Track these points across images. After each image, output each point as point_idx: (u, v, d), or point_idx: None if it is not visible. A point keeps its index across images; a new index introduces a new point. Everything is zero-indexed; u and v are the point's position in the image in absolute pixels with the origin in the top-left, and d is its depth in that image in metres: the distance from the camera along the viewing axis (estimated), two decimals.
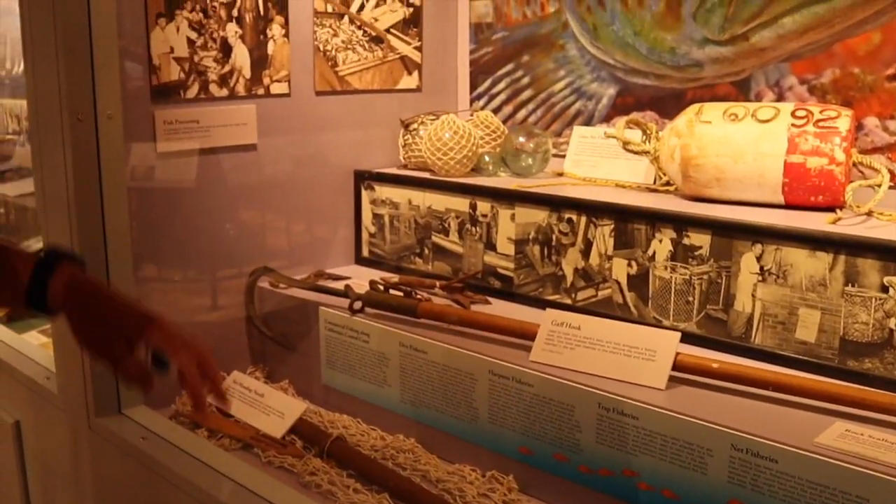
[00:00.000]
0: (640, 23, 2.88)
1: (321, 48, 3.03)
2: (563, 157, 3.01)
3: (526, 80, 3.25)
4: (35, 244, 4.06)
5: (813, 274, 2.05)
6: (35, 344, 3.26)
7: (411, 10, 3.26)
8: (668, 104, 2.88)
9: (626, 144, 2.59)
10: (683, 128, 2.43)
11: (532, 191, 2.64)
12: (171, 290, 2.82)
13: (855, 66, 2.51)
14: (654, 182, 2.72)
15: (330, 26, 3.04)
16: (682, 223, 2.28)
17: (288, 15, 2.93)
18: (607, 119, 3.04)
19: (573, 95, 3.12)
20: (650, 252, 2.34)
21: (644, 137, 2.66)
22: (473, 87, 3.42)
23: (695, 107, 2.48)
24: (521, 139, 2.94)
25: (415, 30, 3.29)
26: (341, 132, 3.14)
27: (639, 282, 2.39)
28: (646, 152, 2.58)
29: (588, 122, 3.08)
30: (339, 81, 3.10)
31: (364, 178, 3.14)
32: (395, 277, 2.91)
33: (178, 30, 2.68)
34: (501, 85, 3.33)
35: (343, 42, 3.08)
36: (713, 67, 2.76)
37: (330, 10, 3.04)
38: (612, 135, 2.62)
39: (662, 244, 2.31)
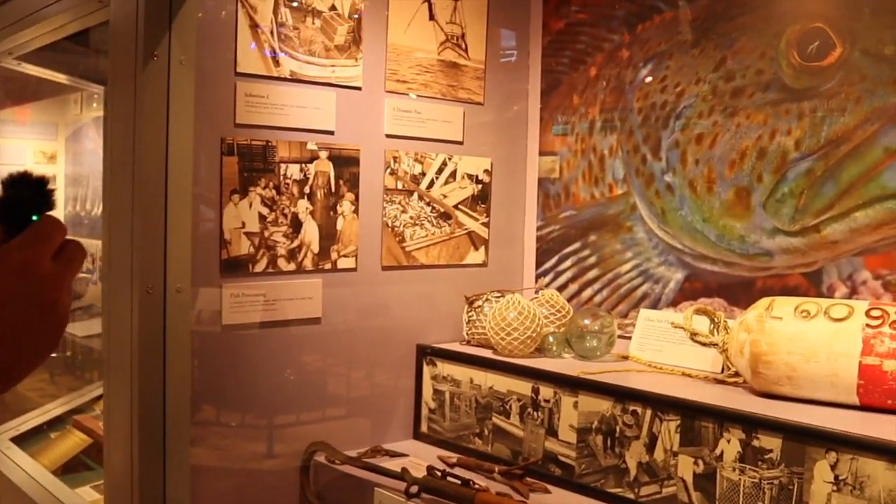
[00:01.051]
0: (708, 209, 2.88)
1: (389, 224, 3.07)
2: (629, 338, 2.96)
3: (592, 260, 3.25)
4: (97, 389, 4.09)
5: (893, 488, 1.94)
6: (87, 500, 3.24)
7: (480, 187, 3.31)
8: (737, 292, 2.83)
9: (693, 336, 2.54)
10: (753, 323, 2.38)
11: (596, 379, 2.59)
12: (228, 472, 2.79)
13: None
14: (722, 371, 2.65)
15: (399, 203, 3.09)
16: (751, 424, 2.19)
17: (359, 192, 2.99)
18: (674, 303, 3.00)
19: (640, 277, 3.10)
20: (718, 451, 2.25)
21: (712, 326, 2.60)
22: (539, 264, 3.43)
23: (765, 301, 2.43)
24: (587, 321, 2.90)
25: (483, 206, 3.33)
26: (406, 306, 3.15)
27: (705, 481, 2.29)
28: (714, 344, 2.53)
29: (654, 305, 3.04)
30: (406, 256, 3.12)
31: (426, 354, 3.13)
32: (453, 457, 2.85)
33: (250, 206, 2.74)
34: (567, 263, 3.32)
35: (411, 218, 3.12)
36: (783, 258, 2.72)
37: (400, 187, 3.10)
38: (679, 325, 2.57)
39: (731, 444, 2.23)
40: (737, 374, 2.56)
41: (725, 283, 2.87)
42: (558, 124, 3.36)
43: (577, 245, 3.30)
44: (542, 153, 3.43)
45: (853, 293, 2.58)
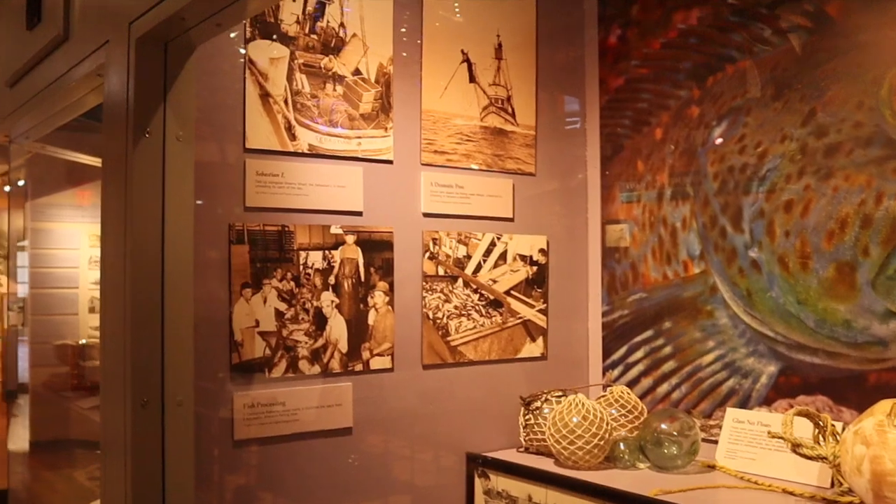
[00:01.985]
0: (804, 290, 2.42)
1: (430, 316, 2.67)
2: (715, 443, 2.50)
3: (668, 350, 2.79)
4: None
5: None
6: None
7: (535, 268, 2.90)
8: (845, 388, 2.35)
9: (796, 447, 2.07)
10: (873, 433, 1.91)
11: (676, 503, 2.13)
12: None
13: None
14: (832, 486, 2.17)
15: (441, 291, 2.70)
16: None
17: (393, 280, 2.60)
18: (767, 401, 2.53)
19: (725, 371, 2.64)
20: None
21: (817, 432, 2.14)
22: (607, 354, 2.98)
23: (885, 404, 1.96)
24: (664, 424, 2.45)
25: (539, 291, 2.91)
26: (452, 410, 2.73)
27: None
28: (822, 458, 2.05)
29: (744, 404, 2.57)
30: (451, 352, 2.71)
31: (478, 464, 2.69)
32: None
33: (265, 301, 2.37)
34: (639, 354, 2.88)
35: (456, 308, 2.72)
36: None
37: (442, 272, 2.70)
38: (777, 435, 2.11)
39: None
40: (850, 492, 2.08)
41: (829, 377, 2.40)
42: (625, 191, 2.94)
43: (649, 333, 2.85)
44: (607, 221, 2.99)
45: None
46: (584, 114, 3.08)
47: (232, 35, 2.38)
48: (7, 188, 4.58)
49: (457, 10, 2.78)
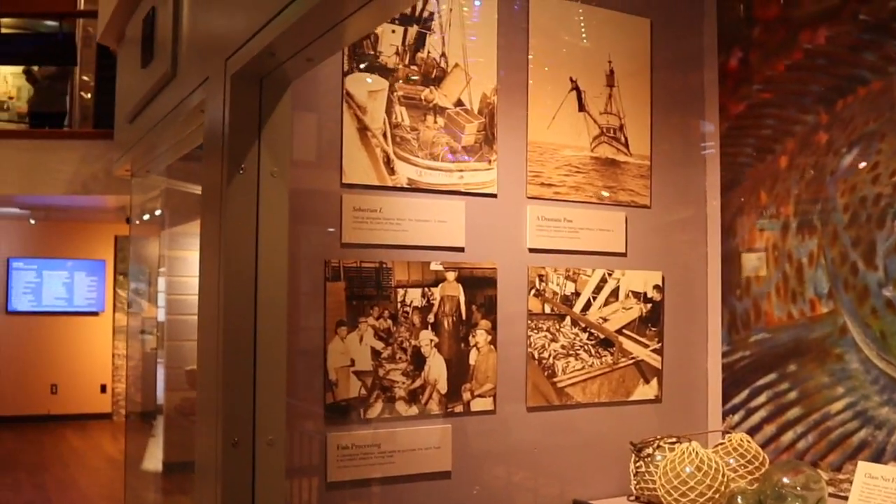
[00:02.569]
0: None
1: (536, 355, 2.55)
2: (845, 499, 2.29)
3: (793, 396, 2.59)
4: None
5: None
6: None
7: (649, 306, 2.75)
8: None
9: None
10: None
11: None
12: None
13: None
14: None
15: (548, 329, 2.57)
16: None
17: (496, 318, 2.50)
18: None
19: (856, 420, 2.41)
20: None
21: None
22: (726, 398, 2.79)
23: None
24: (786, 478, 2.25)
25: (654, 329, 2.75)
26: (558, 455, 2.60)
27: None
28: None
29: (878, 458, 2.35)
30: (558, 394, 2.58)
31: None
32: None
33: (361, 339, 2.30)
34: (761, 398, 2.68)
35: (563, 347, 2.60)
36: None
37: (548, 310, 2.58)
38: None
39: None
40: None
41: None
42: (763, 218, 2.73)
43: (773, 376, 2.65)
44: (747, 249, 2.79)
45: None
46: (703, 141, 2.91)
47: (329, 68, 2.34)
48: (134, 220, 4.72)
49: (566, 37, 2.67)
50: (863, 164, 2.43)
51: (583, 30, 2.70)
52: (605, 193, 2.70)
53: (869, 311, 2.38)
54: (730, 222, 2.84)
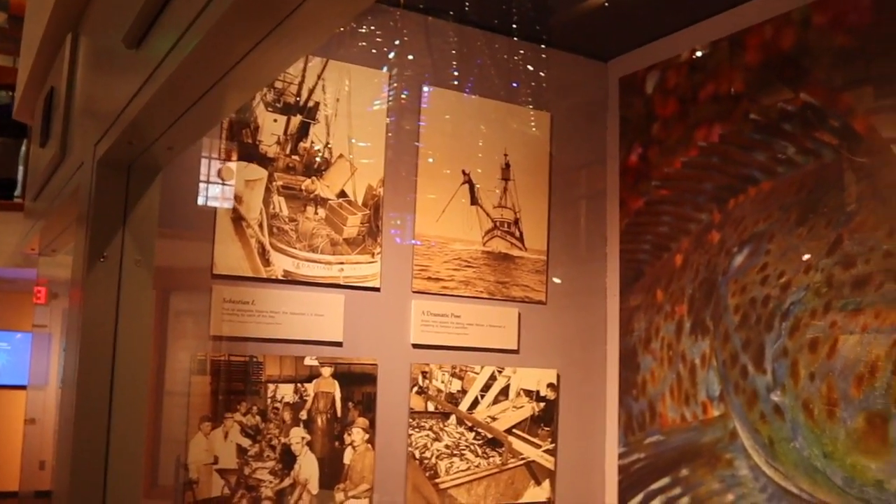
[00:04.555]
0: (831, 442, 2.12)
1: (417, 455, 2.45)
2: None
3: (685, 501, 2.49)
4: None
5: None
6: None
7: (542, 405, 2.66)
8: None
9: None
10: None
11: None
12: None
13: None
14: None
15: (430, 428, 2.48)
16: None
17: (375, 416, 2.40)
18: None
19: None
20: None
21: None
22: (622, 501, 2.69)
23: None
24: None
25: (547, 429, 2.66)
26: None
27: None
28: None
29: None
30: (440, 496, 2.48)
31: None
32: None
33: (226, 436, 2.20)
34: (656, 503, 2.58)
35: (447, 447, 2.50)
36: None
37: (432, 408, 2.49)
38: None
39: None
40: None
41: None
42: (659, 316, 2.66)
43: (666, 480, 2.56)
44: (644, 349, 2.72)
45: None
46: (603, 237, 2.86)
47: (203, 157, 2.28)
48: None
49: (460, 128, 2.63)
50: (752, 266, 2.38)
51: (480, 123, 2.66)
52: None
53: (758, 417, 2.31)
54: (628, 320, 2.78)
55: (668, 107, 2.70)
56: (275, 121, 2.36)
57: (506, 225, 2.67)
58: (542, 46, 2.78)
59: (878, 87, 2.14)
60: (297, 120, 2.38)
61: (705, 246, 2.55)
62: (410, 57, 2.56)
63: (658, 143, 2.72)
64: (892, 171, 2.09)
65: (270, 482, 2.24)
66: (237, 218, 2.28)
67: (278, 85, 2.34)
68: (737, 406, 2.38)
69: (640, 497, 2.63)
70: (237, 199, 2.28)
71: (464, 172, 2.63)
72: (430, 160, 2.57)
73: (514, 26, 2.71)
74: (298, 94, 2.37)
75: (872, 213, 2.11)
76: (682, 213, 2.64)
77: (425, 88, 2.58)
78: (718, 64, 2.54)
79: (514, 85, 2.72)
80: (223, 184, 2.27)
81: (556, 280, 2.71)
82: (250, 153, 2.32)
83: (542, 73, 2.77)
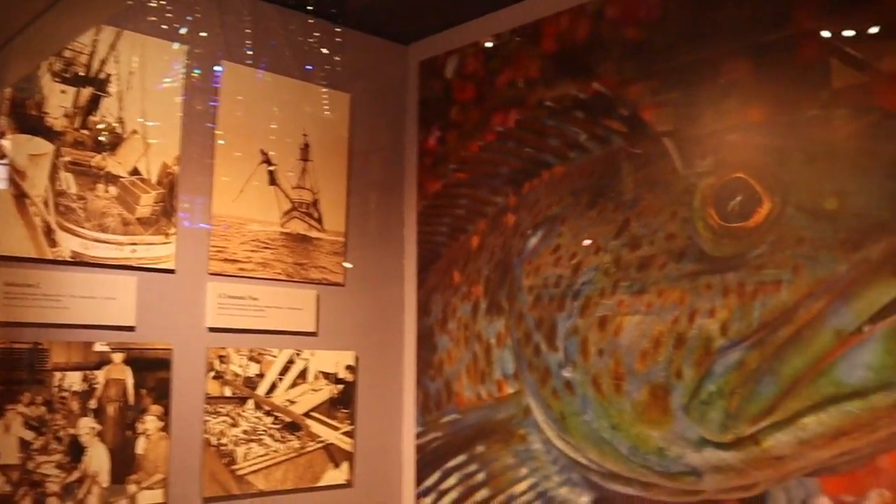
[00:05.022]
0: (618, 414, 2.24)
1: (214, 442, 2.39)
2: None
3: (481, 477, 2.56)
4: None
5: None
6: None
7: (340, 387, 2.65)
8: None
9: None
10: None
11: None
12: None
13: None
14: None
15: (228, 414, 2.42)
16: None
17: (169, 403, 2.31)
18: None
19: (538, 501, 2.42)
20: None
21: None
22: (420, 481, 2.73)
23: None
24: None
25: (345, 411, 2.66)
26: None
27: None
28: None
29: None
30: (238, 482, 2.42)
31: None
32: None
33: (7, 429, 2.05)
34: (452, 480, 2.64)
35: (245, 433, 2.45)
36: (715, 477, 2.07)
37: (229, 393, 2.43)
38: None
39: None
40: None
41: None
42: (456, 297, 2.71)
43: (462, 457, 2.62)
44: (441, 329, 2.76)
45: None
46: (401, 219, 2.88)
47: None
48: None
49: (258, 108, 2.57)
50: (545, 247, 2.47)
51: (276, 102, 2.61)
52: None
53: (550, 393, 2.40)
54: (425, 301, 2.82)
55: (466, 92, 2.75)
56: (63, 92, 2.22)
57: (304, 206, 2.64)
58: (341, 28, 2.76)
59: (663, 81, 2.27)
60: (87, 92, 2.25)
61: (501, 228, 2.62)
62: (204, 34, 2.48)
63: (456, 128, 2.77)
64: (669, 160, 2.22)
65: (57, 476, 2.12)
66: (20, 195, 2.12)
67: (67, 54, 2.20)
68: (530, 383, 2.47)
69: (437, 475, 2.68)
70: (20, 174, 2.13)
71: (262, 152, 2.57)
72: (225, 140, 2.49)
73: (311, 7, 2.67)
74: (89, 65, 2.24)
75: (656, 197, 2.24)
76: (478, 197, 2.70)
77: (219, 67, 2.50)
78: (515, 51, 2.62)
79: (309, 68, 2.68)
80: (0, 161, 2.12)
81: (348, 265, 2.70)
82: (35, 126, 2.17)
83: (340, 55, 2.75)
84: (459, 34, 2.79)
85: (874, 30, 1.92)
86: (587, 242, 2.37)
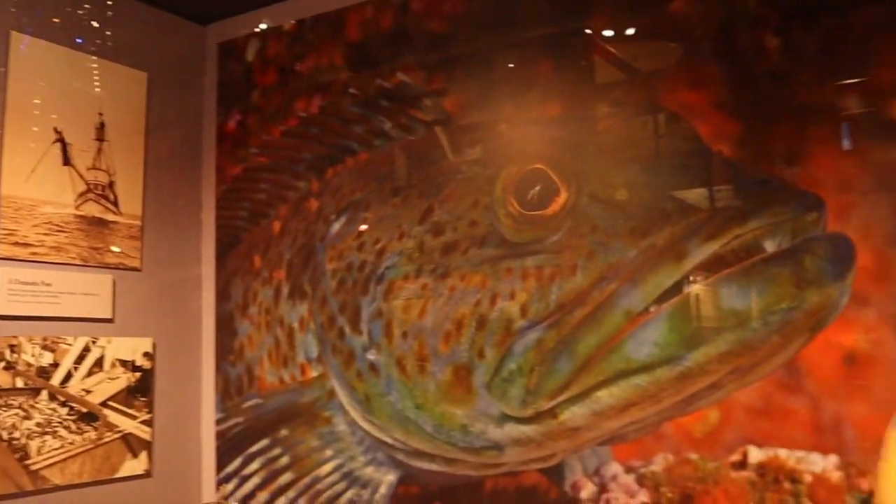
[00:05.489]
0: (422, 394, 2.31)
1: (4, 437, 2.27)
2: None
3: (285, 461, 2.58)
4: None
5: None
6: None
7: (138, 375, 2.59)
8: (463, 495, 2.28)
9: None
10: None
11: None
12: None
13: (691, 450, 2.00)
14: None
15: (20, 406, 2.30)
16: None
17: None
18: None
19: (344, 481, 2.46)
20: None
21: None
22: (221, 467, 2.71)
23: None
24: None
25: (143, 399, 2.60)
26: None
27: None
28: None
29: None
30: (31, 478, 2.31)
31: None
32: None
33: None
34: (255, 465, 2.63)
35: (39, 425, 2.34)
36: (515, 450, 2.19)
37: (21, 384, 2.32)
38: None
39: None
40: None
41: (448, 484, 2.31)
42: (257, 282, 2.70)
43: (265, 442, 2.62)
44: (241, 314, 2.74)
45: (602, 491, 2.09)
46: (199, 203, 2.84)
47: None
48: None
49: (52, 83, 2.45)
50: (348, 233, 2.51)
51: (71, 78, 2.50)
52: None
53: (355, 375, 2.45)
54: (224, 286, 2.79)
55: (268, 76, 2.75)
56: None
57: (100, 188, 2.55)
58: (139, 3, 2.67)
59: (465, 71, 2.37)
60: None
61: (304, 213, 2.63)
62: None
63: (258, 111, 2.76)
64: (476, 149, 2.33)
65: None
66: None
67: None
68: (334, 366, 2.50)
69: (238, 461, 2.67)
70: None
71: (56, 131, 2.45)
72: (14, 118, 2.36)
73: None
74: None
75: (459, 185, 2.33)
76: (280, 181, 2.70)
77: (10, 39, 2.37)
78: (320, 38, 2.64)
79: (80, 41, 2.57)
80: None
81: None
82: None
83: (136, 31, 2.67)
84: (262, 17, 2.77)
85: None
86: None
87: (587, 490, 2.10)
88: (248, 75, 2.79)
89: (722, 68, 2.04)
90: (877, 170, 1.87)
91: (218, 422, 2.74)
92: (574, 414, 2.09)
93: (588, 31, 2.22)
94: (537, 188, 2.19)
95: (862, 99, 1.90)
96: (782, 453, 1.92)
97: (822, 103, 1.93)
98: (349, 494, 2.45)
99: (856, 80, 1.91)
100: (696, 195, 2.00)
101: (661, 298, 1.99)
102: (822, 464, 1.89)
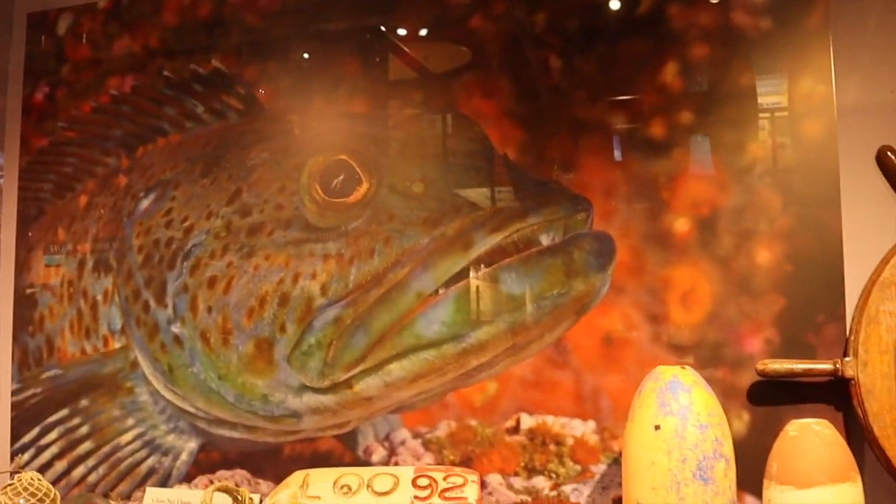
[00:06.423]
0: (225, 365, 2.46)
1: None
2: None
3: (85, 430, 2.64)
4: None
5: None
6: None
7: None
8: (262, 461, 2.43)
9: None
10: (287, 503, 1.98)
11: None
12: None
13: (472, 417, 2.25)
14: None
15: None
16: None
17: None
18: (188, 478, 2.50)
19: (145, 449, 2.56)
20: None
21: None
22: (16, 438, 2.73)
23: (299, 476, 2.06)
24: None
25: None
26: None
27: None
28: None
29: (164, 483, 2.52)
30: None
31: None
32: None
33: None
34: (53, 435, 2.67)
35: None
36: (313, 418, 2.37)
37: None
38: None
39: None
40: None
41: (248, 451, 2.45)
42: (59, 254, 2.73)
43: (64, 412, 2.67)
44: (42, 286, 2.75)
45: (392, 455, 2.30)
46: (1, 172, 2.83)
47: None
48: None
49: None
50: (157, 210, 2.60)
51: None
52: None
53: (158, 347, 2.55)
54: (25, 258, 2.80)
55: (80, 51, 2.78)
56: None
57: None
58: None
59: (278, 64, 2.53)
60: None
61: (112, 189, 2.70)
62: None
63: (67, 86, 2.79)
64: (285, 138, 2.49)
65: None
66: None
67: None
68: (138, 338, 2.59)
69: (35, 431, 2.70)
70: None
71: None
72: None
73: None
74: None
75: (268, 171, 2.49)
76: (88, 157, 2.75)
77: None
78: (136, 18, 2.71)
79: None
80: None
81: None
82: None
83: None
84: None
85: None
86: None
87: (378, 454, 2.31)
88: (59, 49, 2.81)
89: (512, 82, 2.31)
90: (636, 179, 2.20)
91: (14, 392, 2.75)
92: (368, 385, 2.30)
93: (383, 27, 2.45)
94: (341, 177, 2.38)
95: (628, 117, 2.22)
96: (549, 420, 2.20)
97: (595, 119, 2.24)
98: (150, 461, 2.55)
99: (624, 99, 2.22)
100: (482, 192, 2.26)
101: (449, 282, 2.26)
102: (582, 428, 2.19)
